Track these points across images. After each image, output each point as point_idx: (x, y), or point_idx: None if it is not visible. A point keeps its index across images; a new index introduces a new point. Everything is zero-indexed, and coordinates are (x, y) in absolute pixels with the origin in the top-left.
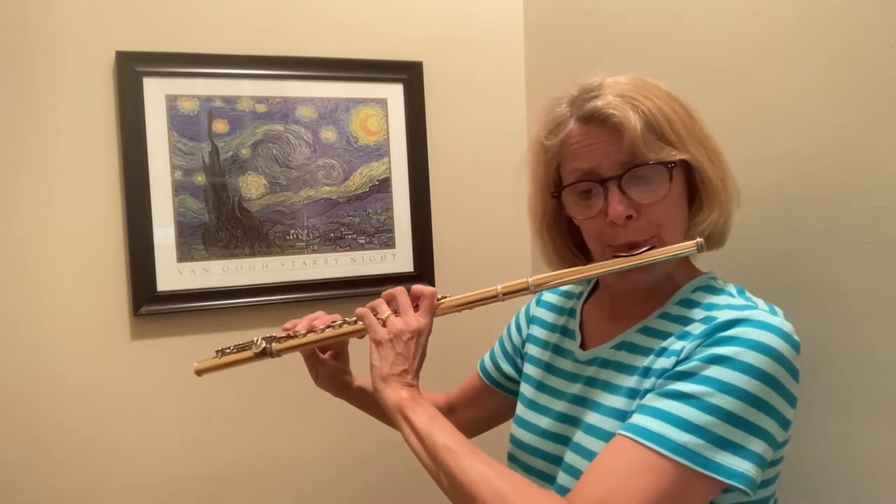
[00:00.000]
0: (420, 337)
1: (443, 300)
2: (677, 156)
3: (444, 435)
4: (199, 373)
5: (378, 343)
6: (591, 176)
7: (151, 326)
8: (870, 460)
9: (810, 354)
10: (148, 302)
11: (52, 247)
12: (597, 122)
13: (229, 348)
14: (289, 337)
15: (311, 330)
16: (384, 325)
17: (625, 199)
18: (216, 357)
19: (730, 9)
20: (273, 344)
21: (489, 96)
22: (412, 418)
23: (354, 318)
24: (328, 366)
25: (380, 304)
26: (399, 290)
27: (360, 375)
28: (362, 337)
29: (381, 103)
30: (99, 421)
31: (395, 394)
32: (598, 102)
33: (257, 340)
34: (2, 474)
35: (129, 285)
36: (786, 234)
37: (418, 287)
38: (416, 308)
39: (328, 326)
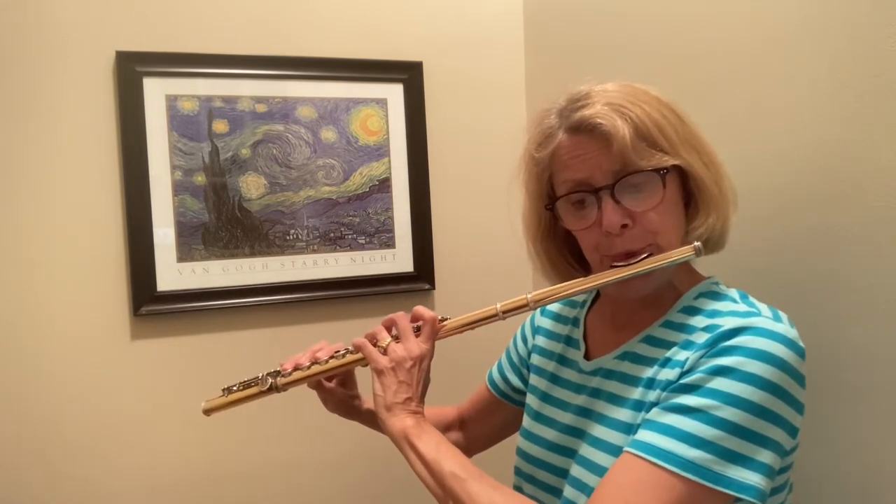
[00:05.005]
0: (422, 363)
1: (444, 323)
2: (669, 161)
3: (451, 462)
4: (207, 412)
5: (380, 372)
6: (583, 186)
7: (151, 326)
8: (873, 460)
9: (812, 354)
10: (148, 302)
11: (52, 247)
12: (585, 132)
13: (235, 386)
14: (293, 370)
15: (314, 361)
16: (385, 352)
17: (618, 208)
18: (223, 395)
19: (730, 8)
20: (279, 379)
21: (489, 96)
22: (418, 446)
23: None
24: (336, 393)
25: (380, 331)
26: (399, 316)
27: (369, 398)
28: (366, 365)
29: (381, 103)
30: (99, 421)
31: (399, 422)
32: (586, 112)
33: (262, 376)
34: (1, 474)
35: (129, 285)
36: (786, 234)
37: (419, 309)
38: (416, 331)
39: (331, 357)
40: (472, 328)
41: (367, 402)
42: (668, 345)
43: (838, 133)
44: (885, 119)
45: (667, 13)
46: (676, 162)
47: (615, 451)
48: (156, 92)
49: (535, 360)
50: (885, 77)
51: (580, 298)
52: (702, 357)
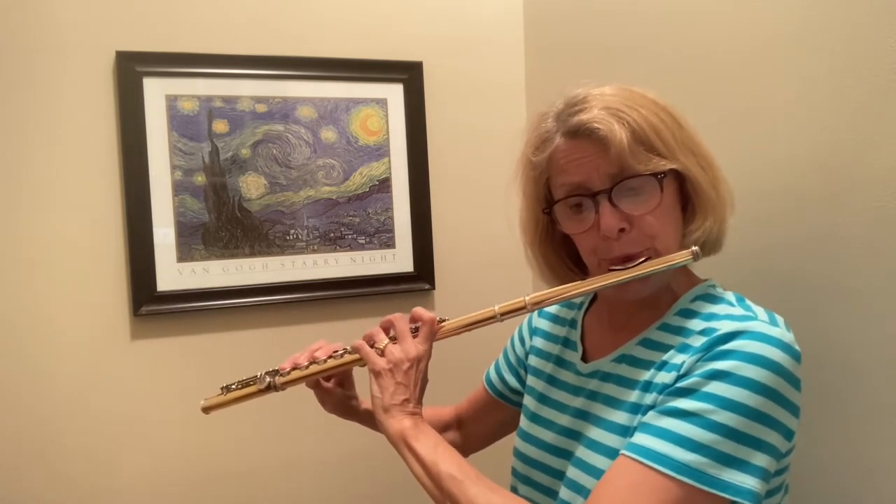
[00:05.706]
0: (419, 364)
1: (442, 325)
2: (667, 165)
3: (449, 463)
4: (205, 410)
5: (377, 374)
6: (580, 190)
7: (151, 326)
8: (871, 461)
9: (810, 355)
10: (148, 302)
11: (52, 247)
12: (583, 136)
13: (234, 384)
14: (292, 370)
15: (313, 361)
16: (382, 354)
17: (616, 211)
18: (221, 394)
19: (730, 9)
20: (277, 378)
21: (489, 96)
22: (416, 447)
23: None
24: (334, 393)
25: (377, 332)
26: (397, 317)
27: (367, 399)
28: (365, 365)
29: (381, 103)
30: (99, 421)
31: (397, 424)
32: (584, 116)
33: (261, 375)
34: (1, 474)
35: (129, 285)
36: (784, 236)
37: (418, 310)
38: (414, 332)
39: (330, 357)
40: (470, 329)
41: (365, 403)
42: (665, 348)
43: (838, 133)
44: (885, 119)
45: (667, 13)
46: (674, 166)
47: (612, 453)
48: (156, 92)
49: (533, 361)
50: (885, 77)
51: (577, 300)
52: (698, 361)
